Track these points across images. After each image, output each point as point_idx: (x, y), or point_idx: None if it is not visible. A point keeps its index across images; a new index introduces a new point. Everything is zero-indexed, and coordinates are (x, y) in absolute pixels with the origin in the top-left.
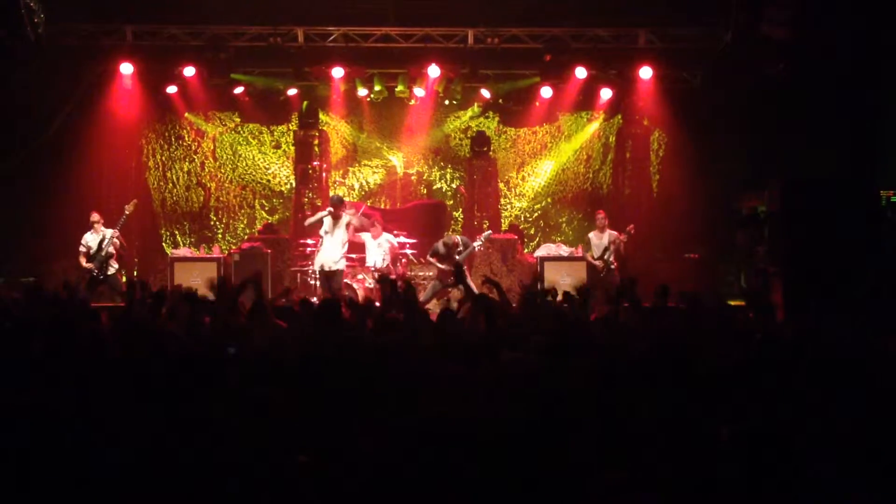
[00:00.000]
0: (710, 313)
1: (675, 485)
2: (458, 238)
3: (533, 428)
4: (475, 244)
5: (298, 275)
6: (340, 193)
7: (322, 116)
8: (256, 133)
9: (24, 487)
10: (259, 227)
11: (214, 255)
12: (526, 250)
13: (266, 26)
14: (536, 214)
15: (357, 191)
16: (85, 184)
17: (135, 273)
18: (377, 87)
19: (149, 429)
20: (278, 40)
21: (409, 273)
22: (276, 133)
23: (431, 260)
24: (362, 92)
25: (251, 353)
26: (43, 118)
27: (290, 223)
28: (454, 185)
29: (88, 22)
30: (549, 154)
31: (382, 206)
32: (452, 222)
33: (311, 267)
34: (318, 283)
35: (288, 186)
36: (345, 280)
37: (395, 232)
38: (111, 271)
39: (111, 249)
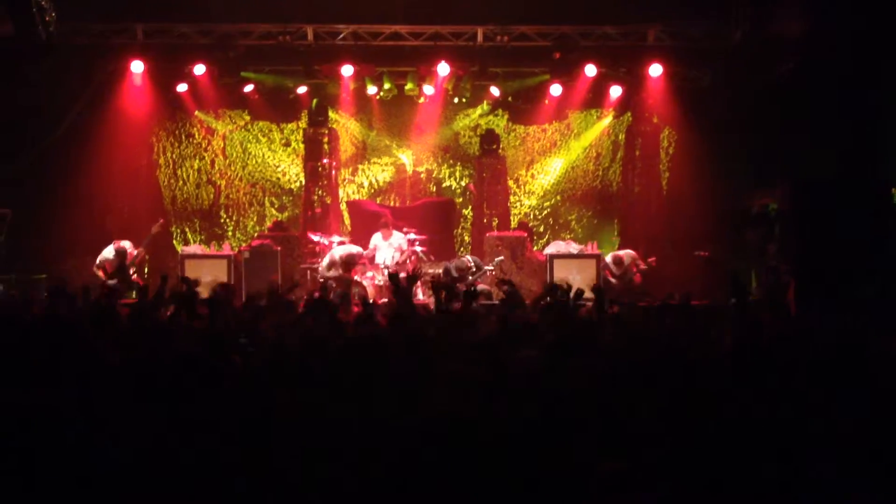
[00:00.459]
0: (717, 311)
1: (675, 484)
2: (470, 260)
3: (534, 427)
4: (487, 267)
5: (308, 272)
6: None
7: (332, 114)
8: (266, 131)
9: (28, 487)
10: (269, 224)
11: (225, 253)
12: (535, 248)
13: (276, 24)
14: (546, 212)
15: (366, 188)
16: (95, 182)
17: (146, 271)
18: (387, 85)
19: (151, 428)
20: (288, 38)
21: (420, 269)
22: (285, 131)
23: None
24: (372, 90)
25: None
26: (54, 117)
27: (299, 220)
28: (463, 183)
29: (99, 21)
30: (559, 152)
31: (392, 204)
32: (462, 220)
33: (319, 264)
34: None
35: (297, 184)
36: (355, 277)
37: (405, 229)
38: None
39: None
